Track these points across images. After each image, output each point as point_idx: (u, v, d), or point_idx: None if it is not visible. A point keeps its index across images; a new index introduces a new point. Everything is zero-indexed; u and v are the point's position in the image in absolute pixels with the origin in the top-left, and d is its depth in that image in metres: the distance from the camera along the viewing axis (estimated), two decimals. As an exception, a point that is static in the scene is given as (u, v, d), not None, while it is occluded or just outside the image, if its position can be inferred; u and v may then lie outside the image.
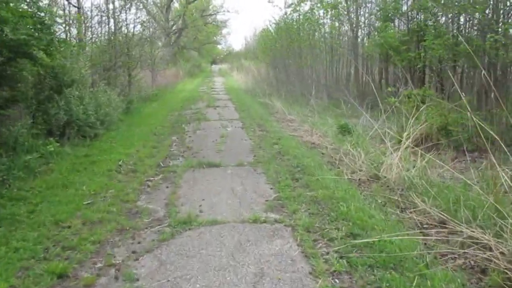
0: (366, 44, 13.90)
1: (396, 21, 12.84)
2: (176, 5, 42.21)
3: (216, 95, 18.87)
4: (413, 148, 6.04)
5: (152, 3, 38.86)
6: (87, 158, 6.73)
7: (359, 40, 15.20)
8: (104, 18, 13.26)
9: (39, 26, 5.94)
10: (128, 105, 11.77)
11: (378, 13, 12.97)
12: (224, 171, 6.04)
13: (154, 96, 16.41)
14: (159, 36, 31.87)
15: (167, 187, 5.34)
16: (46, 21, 5.92)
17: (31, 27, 5.68)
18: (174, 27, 40.20)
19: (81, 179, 5.56)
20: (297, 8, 17.25)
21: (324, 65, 15.01)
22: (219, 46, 64.07)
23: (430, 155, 5.82)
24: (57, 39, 6.43)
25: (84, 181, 5.50)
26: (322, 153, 6.90)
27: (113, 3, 14.07)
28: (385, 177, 5.16)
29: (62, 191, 5.09)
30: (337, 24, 15.94)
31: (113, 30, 14.01)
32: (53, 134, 7.12)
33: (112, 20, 13.77)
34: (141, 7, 16.40)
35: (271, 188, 5.18)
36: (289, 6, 17.56)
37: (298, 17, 16.47)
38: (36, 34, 5.78)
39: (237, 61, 49.00)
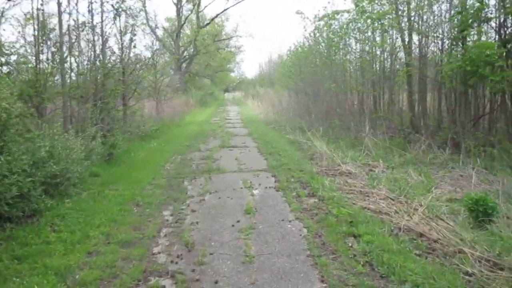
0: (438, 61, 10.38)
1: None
2: (187, 31, 39.75)
3: (231, 129, 15.43)
4: None
5: (162, 28, 36.55)
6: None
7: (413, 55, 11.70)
8: (85, 31, 10.05)
9: None
10: (110, 150, 8.33)
11: (454, 18, 9.49)
12: None
13: (154, 132, 13.03)
14: (168, 62, 29.07)
15: None
16: None
17: None
18: (185, 53, 37.53)
19: None
20: (329, 22, 13.92)
21: (377, 90, 11.43)
22: (232, 74, 61.45)
23: None
24: None
25: None
26: (469, 275, 3.24)
27: (102, 14, 10.94)
28: None
29: None
30: (387, 37, 12.47)
31: (99, 49, 10.81)
32: None
33: (97, 36, 10.57)
34: (137, 23, 13.24)
35: None
36: (321, 19, 14.25)
37: (336, 28, 13.01)
38: None
39: (252, 88, 46.07)
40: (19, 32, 8.99)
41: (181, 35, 37.80)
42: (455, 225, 4.07)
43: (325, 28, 12.17)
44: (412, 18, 11.14)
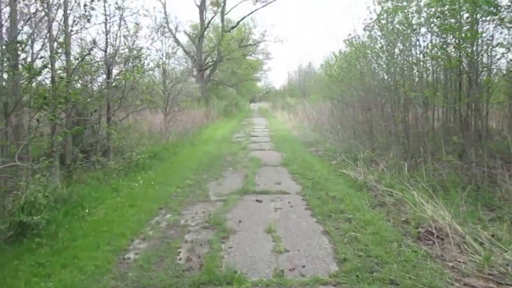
0: None
1: None
2: (211, 35, 35.92)
3: (258, 153, 11.18)
4: None
5: (183, 32, 32.96)
6: None
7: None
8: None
9: None
10: (18, 217, 4.18)
11: None
12: None
13: (145, 160, 8.86)
14: (191, 70, 25.05)
15: None
16: None
17: None
18: (208, 59, 33.72)
19: None
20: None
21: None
22: (258, 84, 57.37)
23: None
24: None
25: None
26: None
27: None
28: None
29: None
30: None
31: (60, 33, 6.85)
32: None
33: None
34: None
35: None
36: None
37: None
38: None
39: (281, 99, 41.88)
40: None
41: (205, 41, 34.08)
42: None
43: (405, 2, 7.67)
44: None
